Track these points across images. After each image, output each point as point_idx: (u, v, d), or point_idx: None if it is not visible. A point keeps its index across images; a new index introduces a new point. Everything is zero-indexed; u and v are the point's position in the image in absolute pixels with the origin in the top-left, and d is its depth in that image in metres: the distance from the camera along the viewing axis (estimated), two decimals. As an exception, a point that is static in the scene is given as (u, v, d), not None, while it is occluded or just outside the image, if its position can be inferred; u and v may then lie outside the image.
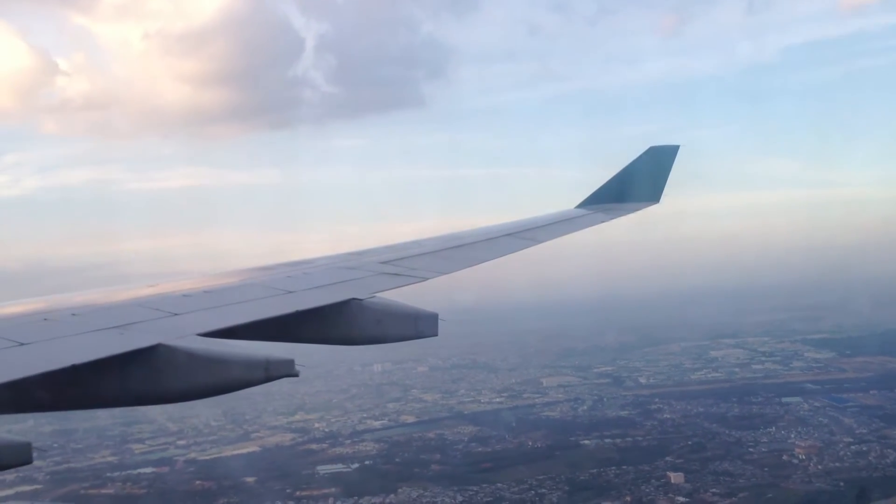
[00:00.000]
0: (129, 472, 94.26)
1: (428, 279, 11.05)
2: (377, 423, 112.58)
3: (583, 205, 18.42)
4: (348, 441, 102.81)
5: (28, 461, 6.24)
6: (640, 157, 19.03)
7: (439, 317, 9.48)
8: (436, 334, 9.43)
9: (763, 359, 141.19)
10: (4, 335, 6.74)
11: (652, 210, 18.90)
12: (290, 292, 9.53)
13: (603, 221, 17.08)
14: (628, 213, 17.98)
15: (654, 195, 18.67)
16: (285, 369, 7.10)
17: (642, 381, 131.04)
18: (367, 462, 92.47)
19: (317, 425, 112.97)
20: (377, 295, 9.53)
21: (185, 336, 7.17)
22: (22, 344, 6.61)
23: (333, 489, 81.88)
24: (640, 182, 18.64)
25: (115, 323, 7.43)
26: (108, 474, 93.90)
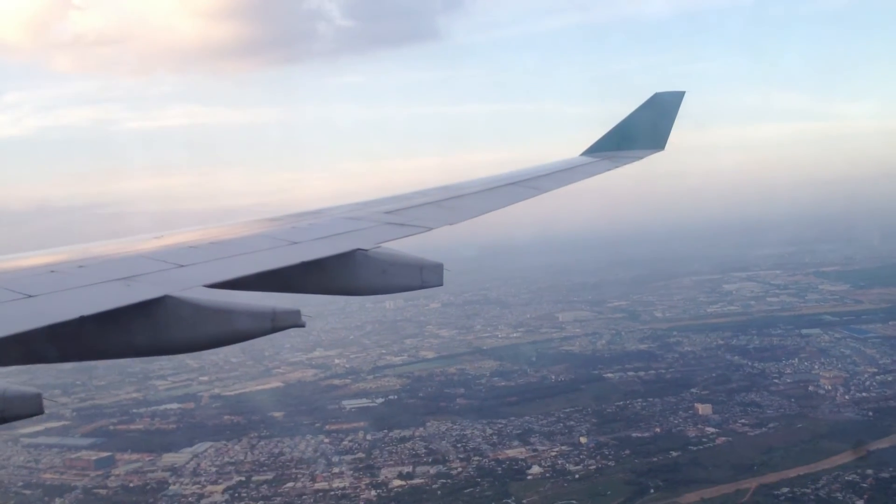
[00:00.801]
0: (154, 408, 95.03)
1: (432, 229, 10.98)
2: (397, 359, 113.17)
3: (587, 152, 18.33)
4: (370, 376, 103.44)
5: (39, 412, 6.12)
6: (645, 103, 18.89)
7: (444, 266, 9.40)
8: (441, 284, 9.33)
9: (777, 291, 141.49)
10: (12, 287, 6.73)
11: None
12: (295, 243, 9.49)
13: (608, 170, 16.98)
14: (633, 160, 17.85)
15: (658, 142, 18.57)
16: (292, 320, 7.15)
17: (658, 314, 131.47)
18: (391, 396, 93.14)
19: (337, 361, 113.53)
20: (382, 245, 9.51)
21: (191, 288, 7.20)
22: (29, 296, 6.59)
23: (362, 423, 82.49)
24: (644, 129, 18.50)
25: (121, 275, 7.43)
26: (134, 410, 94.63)
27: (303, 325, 7.25)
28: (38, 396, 6.14)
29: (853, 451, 64.22)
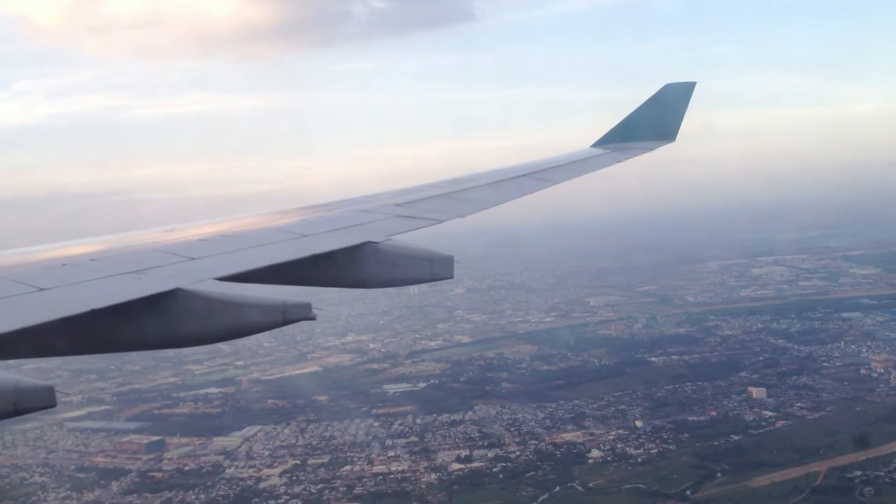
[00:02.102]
0: (195, 392, 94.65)
1: (443, 221, 11.03)
2: (432, 343, 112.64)
3: (598, 144, 18.31)
4: (408, 361, 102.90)
5: (52, 404, 5.98)
6: (655, 95, 18.79)
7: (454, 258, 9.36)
8: (451, 276, 9.31)
9: (808, 275, 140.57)
10: (24, 280, 6.79)
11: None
12: (306, 236, 9.57)
13: (618, 161, 16.97)
14: (644, 151, 17.83)
15: (670, 134, 18.51)
16: (302, 312, 7.13)
17: (689, 298, 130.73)
18: (432, 381, 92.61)
19: (372, 346, 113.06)
20: (392, 238, 9.51)
21: (202, 280, 7.23)
22: (42, 289, 6.63)
23: (409, 406, 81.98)
24: (655, 121, 18.48)
25: (133, 268, 7.48)
26: (175, 394, 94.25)
27: (313, 318, 7.16)
28: (51, 389, 5.97)
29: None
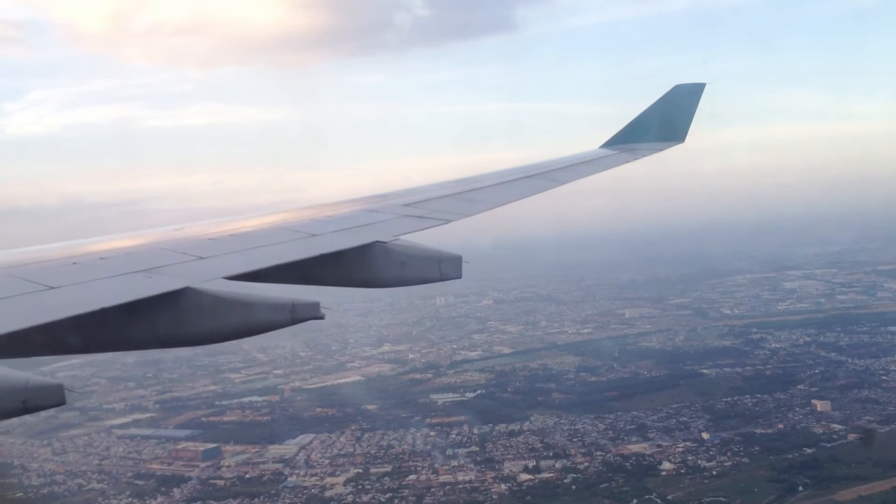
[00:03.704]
0: (237, 400, 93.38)
1: (451, 221, 11.03)
2: (472, 354, 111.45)
3: (606, 145, 18.08)
4: (450, 371, 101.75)
5: (61, 402, 5.94)
6: (665, 95, 18.54)
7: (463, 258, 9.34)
8: (459, 276, 9.26)
9: (844, 290, 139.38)
10: (34, 279, 6.81)
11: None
12: (315, 235, 9.60)
13: (626, 162, 16.70)
14: (652, 152, 17.56)
15: (679, 135, 18.22)
16: (311, 312, 7.09)
17: (726, 311, 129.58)
18: (479, 391, 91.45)
19: (411, 356, 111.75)
20: (401, 237, 9.52)
21: (211, 279, 7.22)
22: (52, 287, 6.64)
23: (462, 416, 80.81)
24: (664, 121, 18.26)
25: (142, 266, 7.51)
26: (218, 402, 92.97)
27: (322, 318, 7.14)
28: (60, 387, 5.91)
29: None
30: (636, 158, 16.90)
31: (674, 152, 18.57)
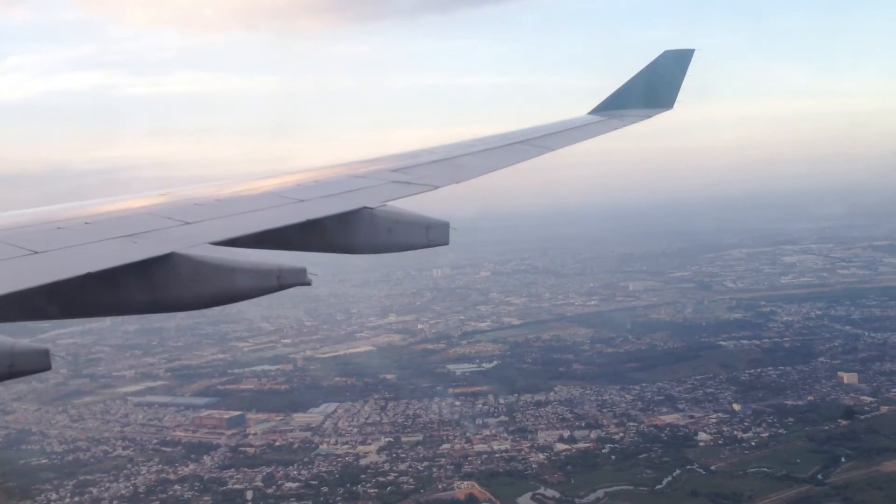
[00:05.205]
0: (250, 368, 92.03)
1: (438, 187, 10.91)
2: (483, 325, 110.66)
3: (595, 111, 17.79)
4: (463, 341, 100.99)
5: (47, 367, 5.82)
6: (655, 61, 18.21)
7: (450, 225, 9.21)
8: (446, 243, 9.14)
9: (843, 264, 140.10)
10: (18, 244, 6.73)
11: (662, 117, 18.08)
12: (302, 201, 9.51)
13: (616, 128, 16.41)
14: (641, 119, 17.28)
15: (667, 101, 17.98)
16: (297, 278, 6.93)
17: (730, 285, 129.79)
18: (495, 361, 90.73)
19: (419, 326, 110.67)
20: (388, 203, 9.40)
21: (197, 245, 7.11)
22: (36, 252, 6.58)
23: (485, 386, 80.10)
24: (653, 88, 18.00)
25: (127, 232, 7.43)
26: (230, 371, 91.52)
27: (308, 284, 6.94)
28: (46, 352, 5.78)
29: None
30: (624, 125, 16.62)
31: (660, 126, 18.32)
